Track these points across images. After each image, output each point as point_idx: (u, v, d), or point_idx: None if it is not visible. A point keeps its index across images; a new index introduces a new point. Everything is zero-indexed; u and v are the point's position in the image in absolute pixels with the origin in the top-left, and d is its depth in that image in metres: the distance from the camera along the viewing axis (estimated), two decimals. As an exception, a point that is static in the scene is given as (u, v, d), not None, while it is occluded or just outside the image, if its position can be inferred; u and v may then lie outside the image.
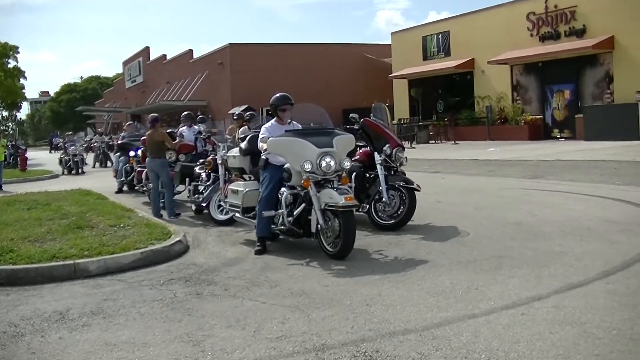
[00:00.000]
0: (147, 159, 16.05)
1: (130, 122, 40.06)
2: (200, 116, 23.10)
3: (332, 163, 9.94)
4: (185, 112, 19.58)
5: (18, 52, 75.14)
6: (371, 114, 12.91)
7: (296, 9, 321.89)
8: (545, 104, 37.45)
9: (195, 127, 19.05)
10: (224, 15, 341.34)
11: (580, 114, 33.85)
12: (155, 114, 17.40)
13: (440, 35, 44.87)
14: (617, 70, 33.35)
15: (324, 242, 9.89)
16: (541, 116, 37.49)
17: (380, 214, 12.00)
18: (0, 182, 27.00)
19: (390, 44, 51.37)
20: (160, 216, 15.27)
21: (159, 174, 15.62)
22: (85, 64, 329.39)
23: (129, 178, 21.62)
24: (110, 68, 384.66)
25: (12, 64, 75.25)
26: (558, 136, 36.14)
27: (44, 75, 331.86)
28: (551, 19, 36.35)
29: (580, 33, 34.77)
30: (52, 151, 58.26)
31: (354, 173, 12.15)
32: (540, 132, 37.10)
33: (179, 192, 17.08)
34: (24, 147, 50.51)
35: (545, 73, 37.36)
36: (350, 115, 13.08)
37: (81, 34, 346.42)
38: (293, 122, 11.11)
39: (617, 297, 6.90)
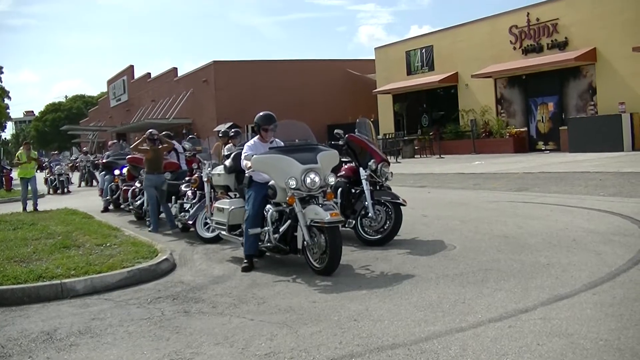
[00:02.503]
0: (149, 175, 16.07)
1: (115, 140, 39.99)
2: (190, 136, 23.05)
3: (317, 179, 9.96)
4: (164, 132, 19.50)
5: (2, 72, 74.93)
6: (356, 130, 12.93)
7: (279, 25, 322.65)
8: (529, 117, 37.59)
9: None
10: (207, 33, 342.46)
11: (565, 125, 33.96)
12: (167, 131, 17.69)
13: (423, 50, 45.00)
14: (600, 81, 33.52)
15: (310, 258, 9.89)
16: (525, 129, 37.62)
17: (366, 229, 12.02)
18: (36, 201, 23.63)
19: (373, 59, 51.48)
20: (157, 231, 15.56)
21: (159, 189, 15.76)
22: (67, 82, 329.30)
23: (114, 197, 21.59)
24: (93, 87, 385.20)
25: (-5, 83, 75.04)
26: (543, 148, 36.28)
27: (25, 94, 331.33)
28: (534, 32, 36.54)
29: (562, 46, 34.97)
30: (38, 170, 58.39)
31: (340, 189, 12.19)
32: (525, 144, 37.26)
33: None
34: (8, 167, 50.32)
35: (529, 86, 37.54)
36: (335, 131, 13.10)
37: (63, 54, 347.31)
38: (276, 140, 11.12)
39: (604, 307, 6.93)
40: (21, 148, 25.22)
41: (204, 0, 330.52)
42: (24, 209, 22.81)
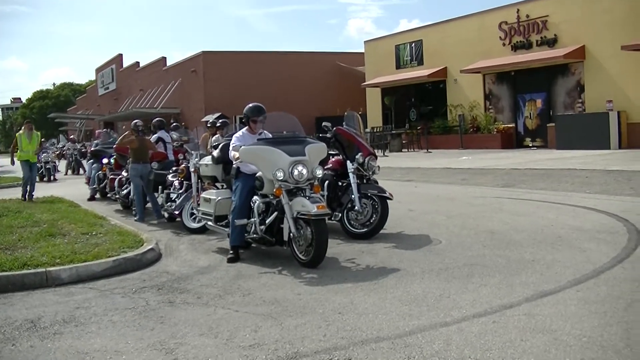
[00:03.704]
0: (134, 164, 16.05)
1: (104, 129, 39.87)
2: (175, 124, 22.97)
3: (304, 172, 9.96)
4: (157, 119, 19.42)
5: (-10, 59, 74.63)
6: (344, 123, 12.93)
7: (269, 17, 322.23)
8: (517, 113, 37.64)
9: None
10: (197, 23, 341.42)
11: (552, 122, 34.04)
12: (160, 119, 17.72)
13: (413, 44, 45.00)
14: (588, 79, 33.59)
15: (296, 250, 9.90)
16: (513, 125, 37.69)
17: (352, 222, 12.04)
18: (33, 189, 21.31)
19: (362, 52, 51.48)
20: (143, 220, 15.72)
21: (145, 179, 15.79)
22: (55, 70, 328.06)
23: (101, 185, 21.55)
24: (81, 75, 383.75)
25: (-17, 70, 74.72)
26: (530, 145, 36.31)
27: (13, 81, 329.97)
28: (523, 29, 36.57)
29: (551, 43, 35.02)
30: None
31: (327, 182, 12.19)
32: (512, 140, 37.34)
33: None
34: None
35: (517, 82, 37.61)
36: (323, 123, 13.12)
37: (51, 41, 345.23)
38: (264, 131, 11.12)
39: (588, 304, 6.95)
40: (22, 129, 22.31)
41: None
42: (24, 196, 20.98)
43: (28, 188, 21.10)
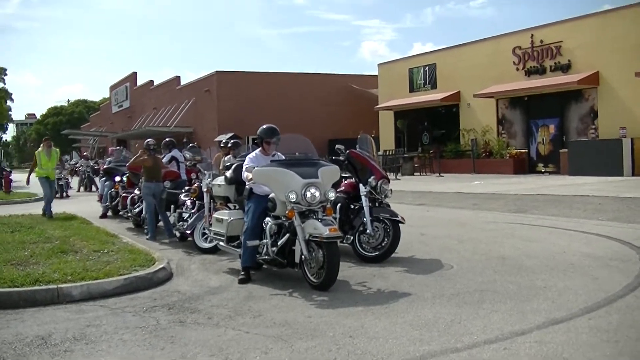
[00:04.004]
0: (147, 183, 16.13)
1: (117, 147, 39.98)
2: (191, 145, 23.00)
3: (317, 194, 9.97)
4: (168, 139, 19.44)
5: (6, 74, 75.06)
6: (357, 145, 12.95)
7: (283, 37, 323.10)
8: (530, 138, 37.59)
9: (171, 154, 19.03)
10: (210, 43, 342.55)
11: (565, 148, 33.99)
12: (171, 139, 17.79)
13: (426, 68, 45.08)
14: (601, 105, 33.56)
15: (307, 272, 9.89)
16: (526, 150, 37.62)
17: (364, 245, 12.02)
18: (50, 206, 20.77)
19: (376, 75, 51.57)
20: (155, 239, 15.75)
21: (158, 197, 15.85)
22: (69, 86, 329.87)
23: (113, 203, 21.59)
24: (95, 92, 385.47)
25: (-1, 85, 75.21)
26: (542, 170, 36.26)
27: (27, 97, 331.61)
28: (537, 54, 36.60)
29: (565, 68, 35.03)
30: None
31: (339, 204, 12.18)
32: (524, 166, 37.24)
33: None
34: (8, 169, 50.35)
35: (531, 107, 37.57)
36: (336, 146, 13.12)
37: (66, 58, 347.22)
38: (277, 153, 11.14)
39: (600, 333, 6.93)
40: (40, 146, 21.99)
41: (209, 10, 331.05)
42: (45, 213, 20.53)
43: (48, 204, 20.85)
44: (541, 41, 36.34)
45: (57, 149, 22.54)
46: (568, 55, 34.95)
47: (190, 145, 22.42)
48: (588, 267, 10.51)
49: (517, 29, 38.62)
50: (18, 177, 46.12)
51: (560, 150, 34.55)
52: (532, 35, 36.85)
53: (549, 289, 9.06)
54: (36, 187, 23.45)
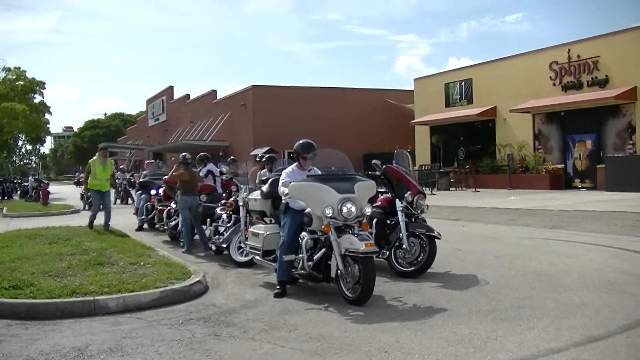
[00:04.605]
0: (183, 196, 16.28)
1: (152, 160, 40.17)
2: (232, 158, 23.07)
3: (353, 209, 9.98)
4: (202, 153, 19.47)
5: (44, 88, 75.65)
6: (393, 161, 12.94)
7: (318, 52, 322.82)
8: (566, 154, 37.27)
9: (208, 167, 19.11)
10: (246, 57, 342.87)
11: (602, 164, 33.68)
12: (205, 153, 17.88)
13: (462, 83, 44.94)
14: (639, 121, 33.26)
15: (343, 287, 9.89)
16: (562, 165, 37.29)
17: (400, 260, 12.00)
18: (109, 219, 20.15)
19: (411, 90, 51.50)
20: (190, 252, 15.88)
21: (194, 211, 16.04)
22: (106, 100, 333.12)
23: (149, 216, 21.72)
24: (130, 105, 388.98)
25: (37, 99, 75.83)
26: (579, 186, 35.94)
27: (64, 110, 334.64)
28: (574, 69, 36.34)
29: (602, 83, 34.74)
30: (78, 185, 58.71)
31: (375, 219, 12.18)
32: (561, 181, 36.93)
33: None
34: (46, 182, 50.82)
35: (567, 122, 37.27)
36: (373, 161, 13.15)
37: (103, 72, 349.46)
38: (314, 168, 11.17)
39: (638, 351, 6.88)
40: (95, 155, 20.84)
41: (245, 24, 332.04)
42: (91, 225, 19.88)
43: (100, 218, 20.08)
44: (578, 56, 36.08)
45: (112, 160, 21.70)
46: (605, 70, 34.68)
47: (231, 158, 22.49)
48: (626, 284, 10.44)
49: (554, 44, 38.42)
50: (55, 189, 46.55)
51: (597, 166, 34.26)
52: (569, 50, 36.60)
53: (586, 306, 9.00)
54: (73, 199, 23.60)
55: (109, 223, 20.02)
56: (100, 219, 19.69)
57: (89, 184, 20.57)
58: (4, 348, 7.81)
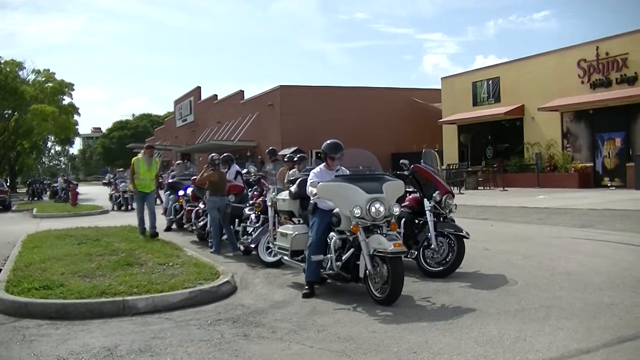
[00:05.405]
0: (212, 197, 16.46)
1: (180, 161, 40.34)
2: (273, 149, 22.59)
3: (382, 209, 9.97)
4: (225, 154, 19.25)
5: (73, 89, 76.26)
6: (421, 160, 12.91)
7: (345, 51, 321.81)
8: (595, 152, 37.04)
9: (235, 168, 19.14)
10: (274, 57, 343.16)
11: (631, 162, 33.47)
12: (229, 154, 17.94)
13: (490, 81, 44.78)
14: (669, 119, 33.03)
15: (371, 287, 9.89)
16: (591, 164, 37.07)
17: (428, 260, 11.98)
18: (153, 223, 18.72)
19: (438, 89, 51.38)
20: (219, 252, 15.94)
21: (222, 211, 16.23)
22: (133, 100, 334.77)
23: (177, 217, 21.81)
24: (158, 106, 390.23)
25: (66, 100, 76.44)
26: (608, 185, 35.69)
27: (92, 111, 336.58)
28: (602, 67, 36.11)
29: (631, 81, 34.49)
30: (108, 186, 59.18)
31: (403, 219, 12.16)
32: (590, 180, 36.72)
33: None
34: (75, 182, 51.15)
35: (596, 121, 37.04)
36: (401, 161, 13.12)
37: (130, 73, 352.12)
38: (342, 167, 11.17)
39: (669, 352, 6.83)
40: (140, 153, 19.93)
41: (272, 25, 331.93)
42: (142, 231, 18.71)
43: (146, 221, 18.79)
44: (606, 53, 35.84)
45: (157, 159, 20.38)
46: (634, 68, 34.43)
47: (273, 158, 21.93)
48: (656, 283, 10.37)
49: (582, 42, 38.21)
50: (84, 190, 46.82)
51: (627, 164, 34.05)
52: (597, 47, 36.36)
53: (616, 306, 8.94)
54: (102, 199, 23.70)
55: (155, 225, 18.86)
56: (134, 219, 19.52)
57: (133, 185, 19.30)
58: (35, 348, 7.88)
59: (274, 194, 12.89)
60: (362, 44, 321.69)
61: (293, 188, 11.99)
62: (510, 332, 7.85)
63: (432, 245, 11.84)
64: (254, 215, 15.27)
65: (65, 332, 8.66)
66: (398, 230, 11.09)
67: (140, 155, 19.43)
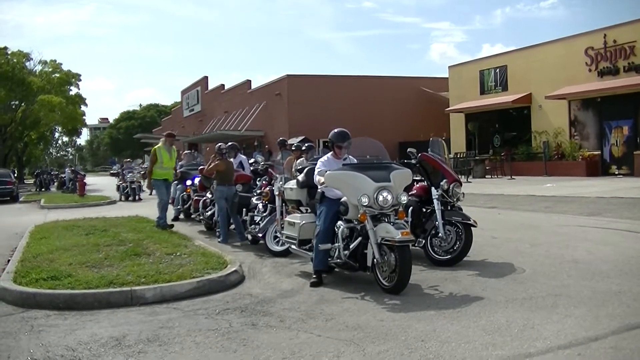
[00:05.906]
0: (219, 186, 16.40)
1: (188, 151, 40.31)
2: (283, 139, 22.39)
3: (389, 197, 9.96)
4: (230, 143, 19.04)
5: (80, 80, 76.28)
6: (429, 149, 12.91)
7: (351, 40, 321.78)
8: (603, 140, 36.96)
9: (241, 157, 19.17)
10: (281, 46, 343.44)
11: (639, 150, 33.40)
12: (234, 143, 17.91)
13: (497, 70, 44.69)
14: (677, 107, 32.92)
15: (379, 276, 9.89)
16: (599, 152, 36.97)
17: (436, 249, 11.98)
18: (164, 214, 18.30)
19: (445, 77, 51.32)
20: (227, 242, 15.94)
21: (230, 201, 16.22)
22: (141, 91, 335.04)
23: (185, 206, 21.83)
24: (165, 96, 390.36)
25: (73, 91, 76.47)
26: (616, 173, 35.64)
27: (99, 102, 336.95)
28: (610, 55, 36.00)
29: (639, 68, 34.40)
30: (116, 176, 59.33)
31: (411, 208, 12.18)
32: (597, 168, 36.61)
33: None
34: (82, 173, 51.22)
35: (604, 109, 36.94)
36: (408, 149, 13.11)
37: (138, 63, 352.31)
38: (349, 156, 11.16)
39: (677, 339, 6.82)
40: (160, 141, 19.08)
41: (279, 14, 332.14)
42: (164, 225, 17.96)
43: (165, 210, 18.43)
44: (614, 41, 35.73)
45: (176, 149, 19.56)
46: (642, 56, 34.34)
47: (284, 147, 21.70)
48: (664, 271, 10.35)
49: (589, 30, 38.09)
50: (92, 180, 46.89)
51: (635, 152, 33.99)
52: (605, 35, 36.26)
53: (624, 294, 8.93)
54: (109, 190, 23.72)
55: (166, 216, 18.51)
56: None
57: (153, 173, 18.50)
58: (43, 338, 7.89)
59: (281, 183, 12.90)
60: (369, 33, 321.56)
61: (300, 177, 11.99)
62: (518, 320, 7.85)
63: (440, 234, 11.85)
64: (261, 204, 15.28)
65: (73, 322, 8.68)
66: (406, 218, 11.07)
67: (160, 144, 18.77)
